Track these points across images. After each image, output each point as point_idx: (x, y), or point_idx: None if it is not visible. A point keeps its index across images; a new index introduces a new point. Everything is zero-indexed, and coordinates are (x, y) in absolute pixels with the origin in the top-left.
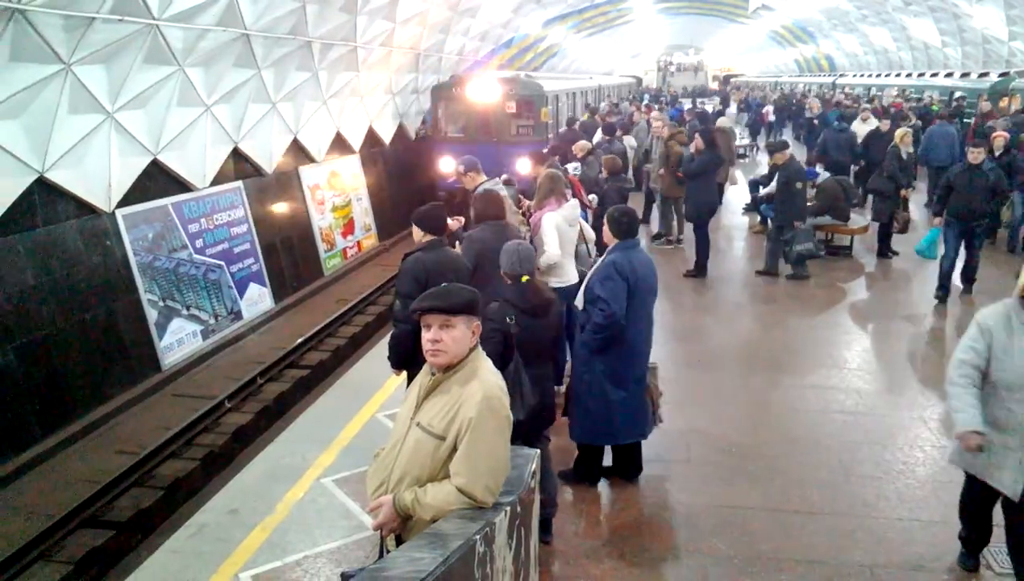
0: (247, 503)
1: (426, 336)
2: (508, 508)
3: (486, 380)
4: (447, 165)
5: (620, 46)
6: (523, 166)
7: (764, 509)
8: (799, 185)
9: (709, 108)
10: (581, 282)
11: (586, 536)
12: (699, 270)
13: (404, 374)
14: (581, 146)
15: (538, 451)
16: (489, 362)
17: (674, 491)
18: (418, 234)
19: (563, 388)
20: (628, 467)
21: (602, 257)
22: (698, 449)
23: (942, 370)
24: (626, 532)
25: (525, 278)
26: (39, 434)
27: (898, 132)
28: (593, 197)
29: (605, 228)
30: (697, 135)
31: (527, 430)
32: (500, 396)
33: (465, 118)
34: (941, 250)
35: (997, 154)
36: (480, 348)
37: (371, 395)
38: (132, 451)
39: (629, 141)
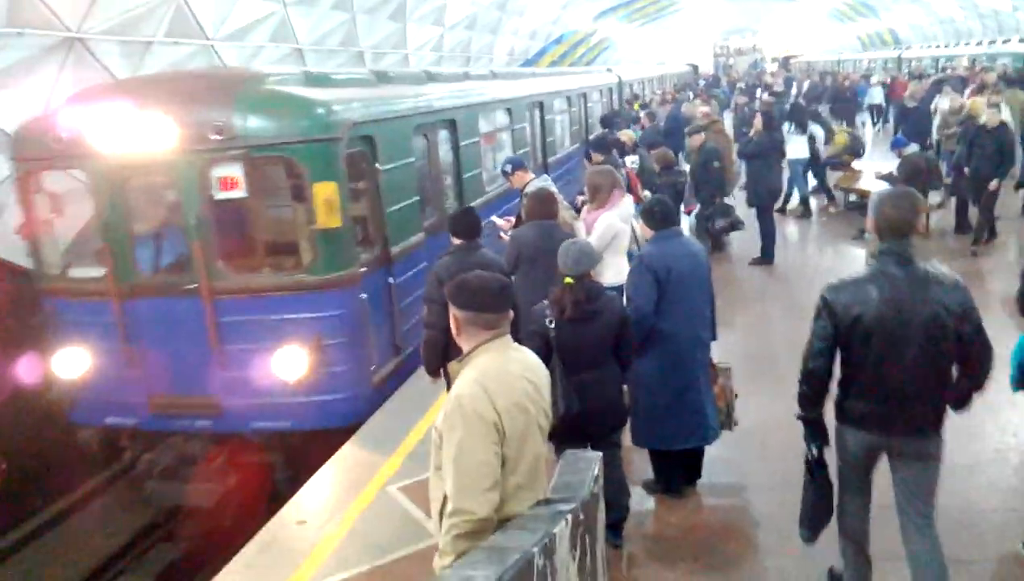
0: (314, 514)
1: None
2: (570, 516)
3: (466, 376)
4: (66, 367)
5: (673, 34)
6: (281, 363)
7: None
8: (716, 164)
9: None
10: None
11: (657, 538)
12: (765, 257)
13: (442, 379)
14: (628, 136)
15: (599, 454)
16: (490, 353)
17: (748, 490)
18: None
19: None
20: (687, 471)
21: None
22: (772, 446)
23: None
24: (699, 534)
25: (569, 280)
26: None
27: (974, 102)
28: (647, 193)
29: (641, 223)
30: (757, 116)
31: (563, 432)
32: (471, 392)
33: (101, 223)
34: None
35: None
36: (492, 342)
37: (436, 400)
38: None
39: None
